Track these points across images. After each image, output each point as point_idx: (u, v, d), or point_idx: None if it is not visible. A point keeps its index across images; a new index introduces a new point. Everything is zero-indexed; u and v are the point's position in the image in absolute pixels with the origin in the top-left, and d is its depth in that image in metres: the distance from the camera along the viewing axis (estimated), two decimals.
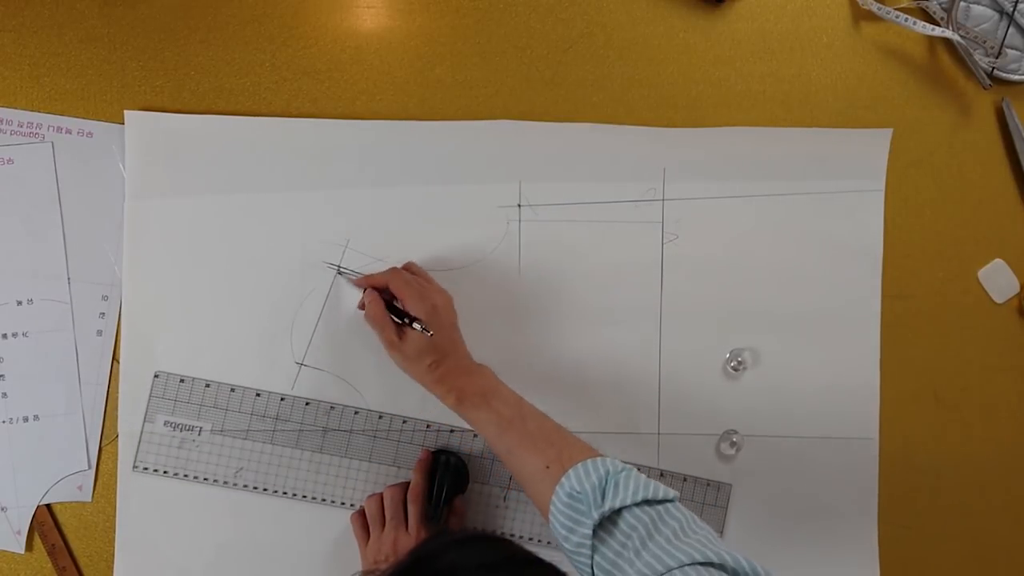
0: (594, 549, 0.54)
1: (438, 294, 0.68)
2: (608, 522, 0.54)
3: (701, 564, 0.49)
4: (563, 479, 0.57)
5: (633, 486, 0.55)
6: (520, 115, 0.76)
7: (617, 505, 0.54)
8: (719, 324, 0.77)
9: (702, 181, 0.77)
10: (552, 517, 0.57)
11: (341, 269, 0.72)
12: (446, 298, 0.69)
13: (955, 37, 0.77)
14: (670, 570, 0.49)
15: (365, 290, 0.69)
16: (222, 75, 0.74)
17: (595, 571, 0.54)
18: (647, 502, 0.54)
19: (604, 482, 0.55)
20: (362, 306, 0.70)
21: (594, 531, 0.54)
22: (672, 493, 0.56)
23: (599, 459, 0.58)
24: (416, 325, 0.65)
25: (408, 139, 0.75)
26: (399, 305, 0.68)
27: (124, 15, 0.73)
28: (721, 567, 0.49)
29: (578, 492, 0.56)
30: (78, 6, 0.73)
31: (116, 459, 0.73)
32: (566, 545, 0.56)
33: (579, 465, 0.57)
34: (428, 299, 0.66)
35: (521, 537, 0.76)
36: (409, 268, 0.71)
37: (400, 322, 0.67)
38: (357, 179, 0.75)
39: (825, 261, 0.78)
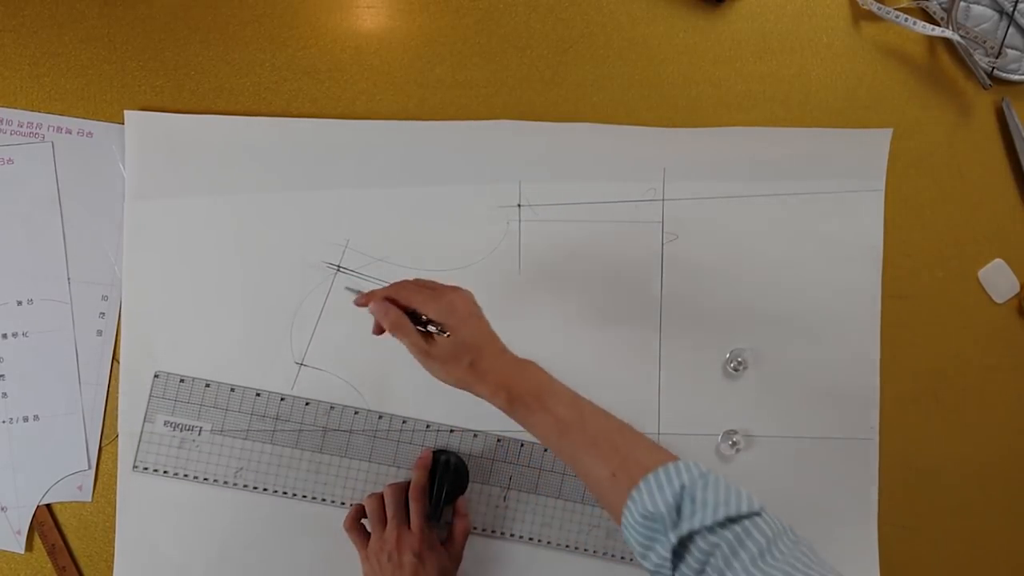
0: (674, 567, 0.50)
1: (451, 291, 0.62)
2: (687, 540, 0.49)
3: None
4: (634, 494, 0.52)
5: (712, 500, 0.49)
6: (520, 115, 0.76)
7: (696, 526, 0.49)
8: (719, 324, 0.77)
9: (702, 181, 0.77)
10: (626, 532, 0.53)
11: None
12: (462, 293, 0.63)
13: (955, 37, 0.77)
14: None
15: (371, 307, 0.62)
16: (222, 75, 0.74)
17: None
18: (729, 519, 0.49)
19: (679, 498, 0.50)
20: (378, 330, 0.63)
21: (672, 551, 0.49)
22: (757, 504, 0.50)
23: (671, 466, 0.52)
24: (432, 328, 0.60)
25: (408, 139, 0.75)
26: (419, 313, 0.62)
27: (124, 15, 0.73)
28: None
29: (651, 511, 0.50)
30: (78, 6, 0.73)
31: (116, 459, 0.73)
32: (645, 564, 0.51)
33: (651, 477, 0.52)
34: (442, 297, 0.61)
35: (521, 537, 0.76)
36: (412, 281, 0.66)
37: (423, 329, 0.61)
38: (357, 179, 0.75)
39: (825, 261, 0.78)
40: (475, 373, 0.60)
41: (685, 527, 0.49)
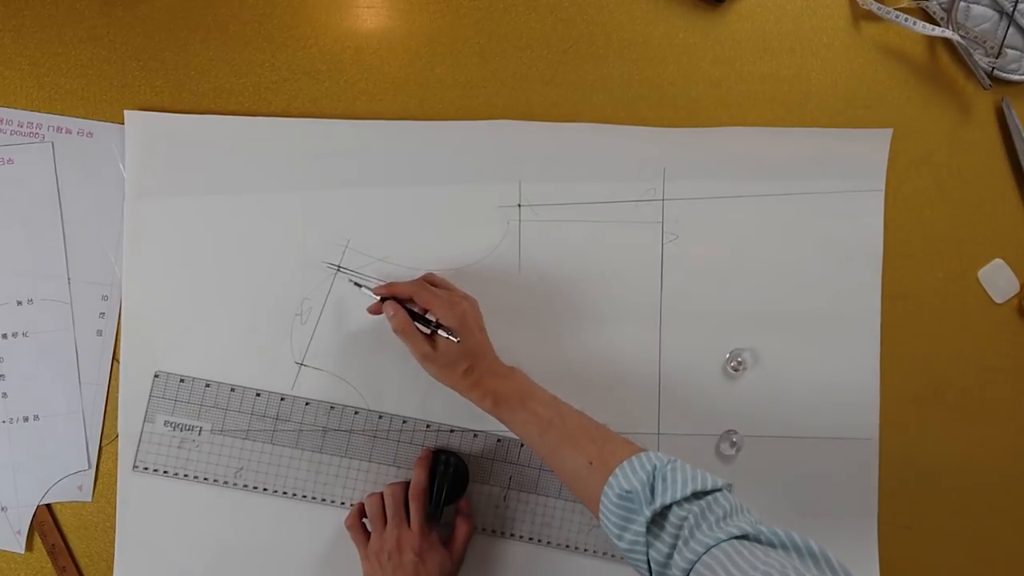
0: (648, 544, 0.54)
1: (464, 300, 0.68)
2: (659, 517, 0.55)
3: (736, 538, 0.50)
4: (611, 479, 0.57)
5: (681, 479, 0.55)
6: (520, 115, 0.76)
7: (668, 501, 0.54)
8: (719, 324, 0.77)
9: (702, 181, 0.77)
10: (603, 517, 0.58)
11: (355, 279, 0.72)
12: (472, 303, 0.69)
13: (955, 37, 0.77)
14: (708, 549, 0.50)
15: (383, 299, 0.68)
16: (222, 75, 0.74)
17: (651, 566, 0.55)
18: (696, 494, 0.55)
19: (652, 478, 0.56)
20: (375, 311, 0.69)
21: (647, 527, 0.54)
22: (720, 482, 0.56)
23: (644, 455, 0.58)
24: (442, 332, 0.66)
25: (408, 139, 0.75)
26: (426, 314, 0.67)
27: (124, 15, 0.73)
28: (756, 539, 0.50)
29: (627, 491, 0.56)
30: (78, 6, 0.73)
31: (116, 459, 0.73)
32: (620, 543, 0.56)
33: (625, 463, 0.58)
34: (456, 307, 0.66)
35: (521, 537, 0.76)
36: (430, 279, 0.71)
37: (427, 332, 0.66)
38: (357, 179, 0.75)
39: (825, 261, 0.78)
40: (468, 379, 0.66)
41: (658, 502, 0.54)
